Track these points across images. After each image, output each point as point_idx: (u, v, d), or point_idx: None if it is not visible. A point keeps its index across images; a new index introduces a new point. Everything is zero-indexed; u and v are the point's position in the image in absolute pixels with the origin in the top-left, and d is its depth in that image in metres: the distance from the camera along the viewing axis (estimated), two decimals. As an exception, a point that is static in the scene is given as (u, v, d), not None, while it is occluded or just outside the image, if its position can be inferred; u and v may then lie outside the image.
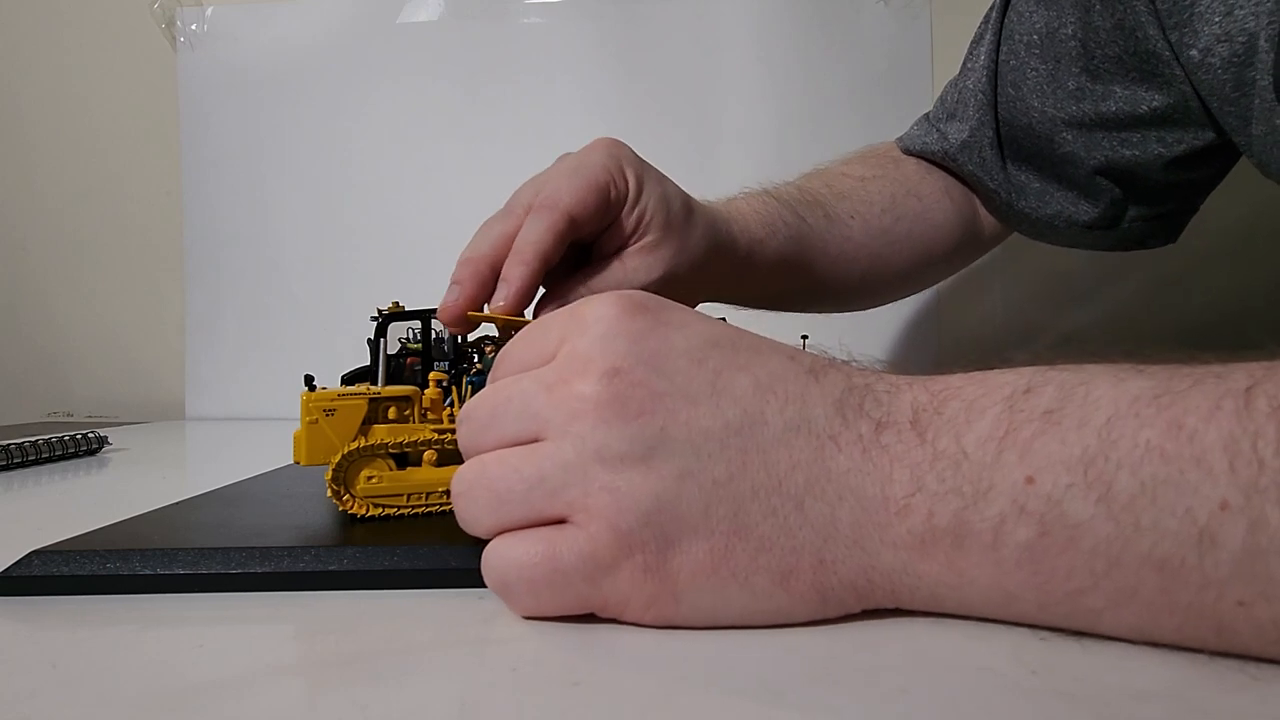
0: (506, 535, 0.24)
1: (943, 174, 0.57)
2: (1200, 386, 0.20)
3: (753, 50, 0.85)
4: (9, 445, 0.52)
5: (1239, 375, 0.19)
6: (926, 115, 0.59)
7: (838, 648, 0.21)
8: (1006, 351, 0.24)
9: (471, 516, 0.25)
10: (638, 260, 0.39)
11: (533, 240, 0.35)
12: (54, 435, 0.56)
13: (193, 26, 0.91)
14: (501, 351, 0.27)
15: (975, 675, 0.19)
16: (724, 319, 0.27)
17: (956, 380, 0.23)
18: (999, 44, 0.52)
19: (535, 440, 0.24)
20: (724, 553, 0.22)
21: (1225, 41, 0.38)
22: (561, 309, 0.26)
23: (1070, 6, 0.47)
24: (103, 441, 0.59)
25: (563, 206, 0.35)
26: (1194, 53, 0.40)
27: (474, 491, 0.24)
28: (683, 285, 0.41)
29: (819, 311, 0.58)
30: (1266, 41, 0.36)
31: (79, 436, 0.57)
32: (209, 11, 0.91)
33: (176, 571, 0.27)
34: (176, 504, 0.36)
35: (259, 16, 0.90)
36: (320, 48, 0.90)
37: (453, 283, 0.35)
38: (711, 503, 0.22)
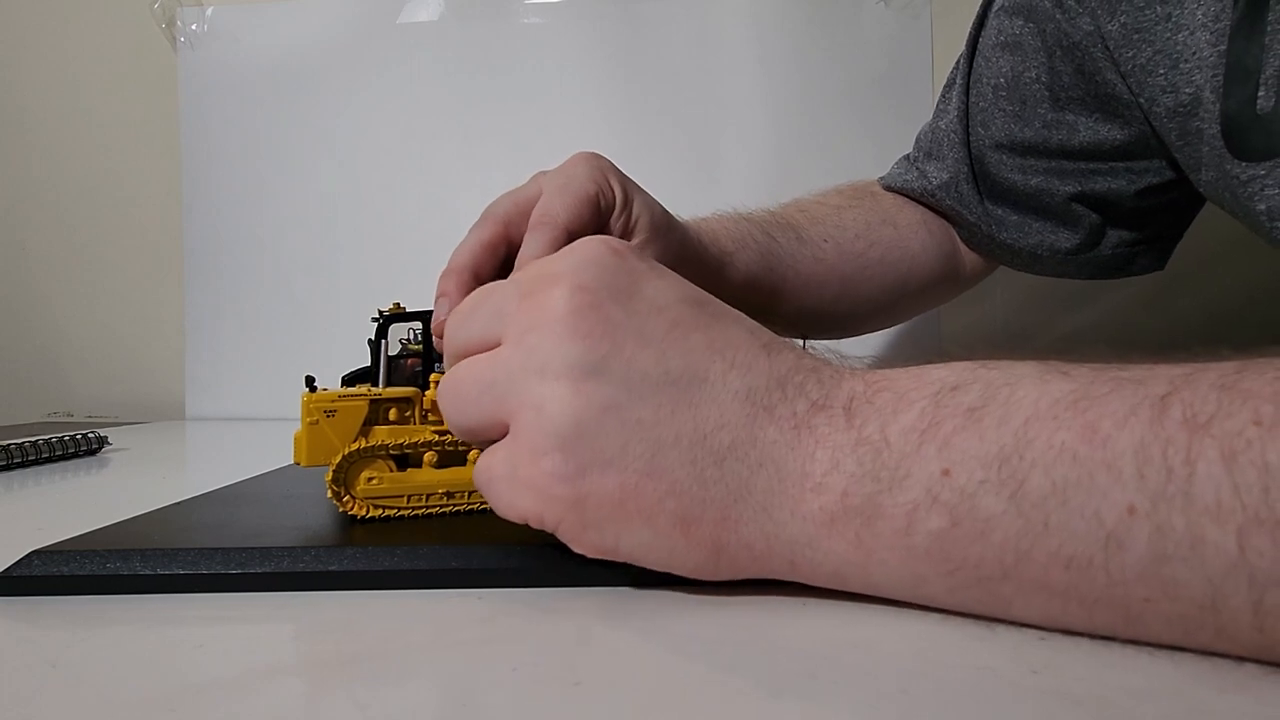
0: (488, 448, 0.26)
1: (922, 208, 0.58)
2: (1119, 392, 0.20)
3: (752, 50, 0.85)
4: (9, 445, 0.52)
5: (1159, 382, 0.20)
6: (906, 156, 0.61)
7: (837, 647, 0.21)
8: (956, 351, 0.25)
9: (445, 416, 0.27)
10: None
11: (534, 253, 0.36)
12: (54, 435, 0.56)
13: (193, 26, 0.91)
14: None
15: (975, 675, 0.19)
16: None
17: (894, 373, 0.24)
18: (968, 88, 0.54)
19: (499, 343, 0.25)
20: (633, 490, 0.23)
21: (1170, 93, 0.40)
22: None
23: (1033, 52, 0.49)
24: (103, 441, 0.59)
25: (561, 222, 0.36)
26: (1142, 100, 0.42)
27: (444, 393, 0.27)
28: None
29: (799, 337, 0.58)
30: (1212, 93, 0.37)
31: (79, 436, 0.57)
32: (209, 11, 0.91)
33: (176, 571, 0.26)
34: (176, 504, 0.36)
35: (259, 16, 0.90)
36: (320, 48, 0.90)
37: (439, 296, 0.36)
38: (630, 440, 0.23)
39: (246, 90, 0.91)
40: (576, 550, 0.24)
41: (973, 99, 0.54)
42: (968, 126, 0.54)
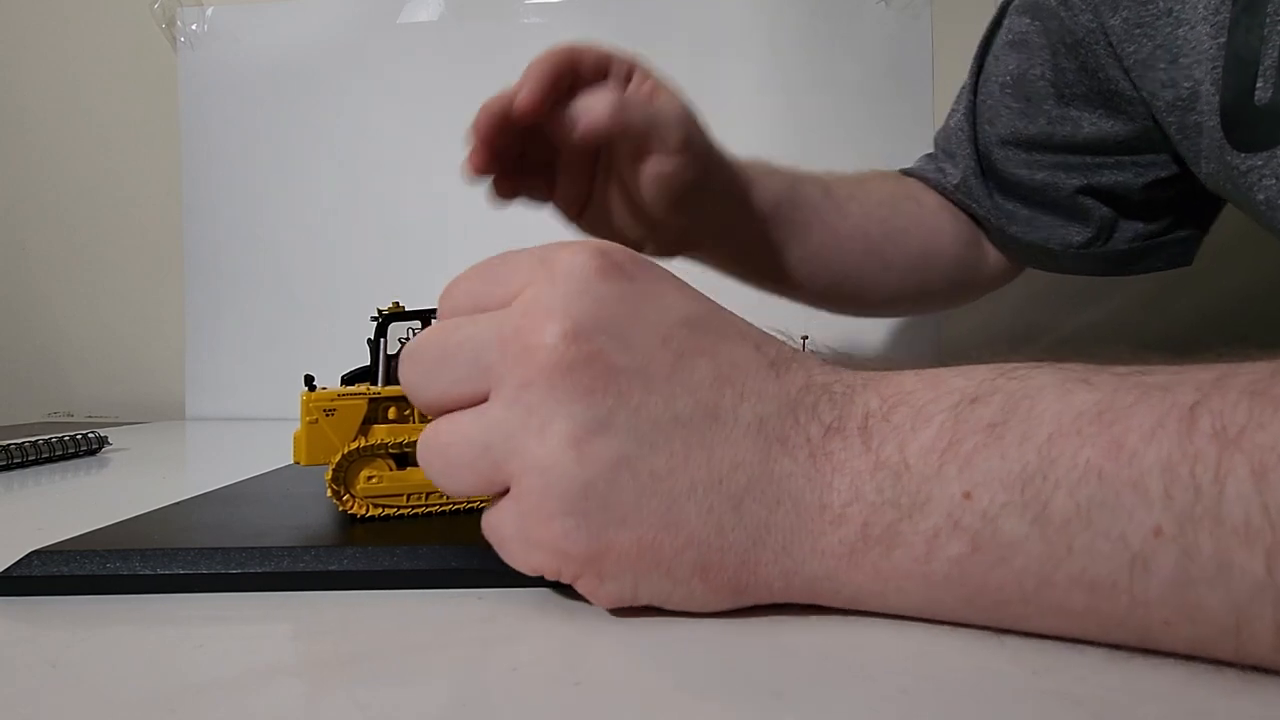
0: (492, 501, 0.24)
1: (943, 197, 0.58)
2: (1145, 401, 0.19)
3: (752, 50, 0.85)
4: (9, 445, 0.51)
5: (1186, 390, 0.19)
6: (929, 154, 0.62)
7: (838, 648, 0.21)
8: (972, 354, 0.24)
9: (434, 479, 0.25)
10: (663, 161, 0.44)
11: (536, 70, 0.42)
12: (54, 435, 0.56)
13: (193, 26, 0.91)
14: (453, 282, 0.26)
15: (976, 675, 0.19)
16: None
17: (909, 382, 0.23)
18: (976, 87, 0.55)
19: (485, 394, 0.23)
20: (650, 544, 0.22)
21: (1170, 88, 0.40)
22: (531, 249, 0.25)
23: (1039, 50, 0.50)
24: (103, 441, 0.59)
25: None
26: (1144, 94, 0.43)
27: (429, 456, 0.24)
28: (690, 196, 0.45)
29: (819, 304, 0.58)
30: (1212, 85, 0.37)
31: (79, 436, 0.57)
32: (209, 11, 0.91)
33: (176, 571, 0.26)
34: (176, 504, 0.36)
35: (259, 16, 0.90)
36: (320, 48, 0.90)
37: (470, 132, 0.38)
38: (645, 495, 0.22)
39: (246, 90, 0.90)
40: (595, 603, 0.23)
41: (981, 97, 0.55)
42: (975, 124, 0.55)
